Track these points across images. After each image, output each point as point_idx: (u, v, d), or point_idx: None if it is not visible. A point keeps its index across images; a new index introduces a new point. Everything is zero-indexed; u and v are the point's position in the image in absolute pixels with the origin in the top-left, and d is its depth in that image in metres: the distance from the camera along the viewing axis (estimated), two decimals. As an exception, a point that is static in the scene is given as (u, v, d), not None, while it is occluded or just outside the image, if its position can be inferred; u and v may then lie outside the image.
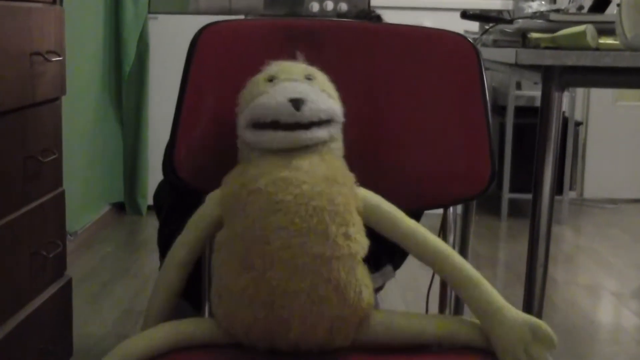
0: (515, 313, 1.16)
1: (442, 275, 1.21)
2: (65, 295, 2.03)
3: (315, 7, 4.32)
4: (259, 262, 1.13)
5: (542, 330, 1.14)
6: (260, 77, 1.24)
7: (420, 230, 1.21)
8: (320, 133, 1.19)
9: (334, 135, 1.22)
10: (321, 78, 1.25)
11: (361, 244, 1.17)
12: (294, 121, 1.16)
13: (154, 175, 4.13)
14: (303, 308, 1.13)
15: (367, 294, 1.17)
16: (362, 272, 1.17)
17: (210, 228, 1.23)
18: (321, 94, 1.20)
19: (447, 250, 1.21)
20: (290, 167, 1.16)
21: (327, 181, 1.16)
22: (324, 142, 1.20)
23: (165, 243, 2.07)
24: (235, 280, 1.15)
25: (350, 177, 1.20)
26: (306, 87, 1.20)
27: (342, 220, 1.15)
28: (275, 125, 1.17)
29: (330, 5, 4.29)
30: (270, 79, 1.22)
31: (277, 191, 1.13)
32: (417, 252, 1.21)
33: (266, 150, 1.19)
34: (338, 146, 1.24)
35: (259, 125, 1.18)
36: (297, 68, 1.24)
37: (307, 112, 1.17)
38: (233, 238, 1.16)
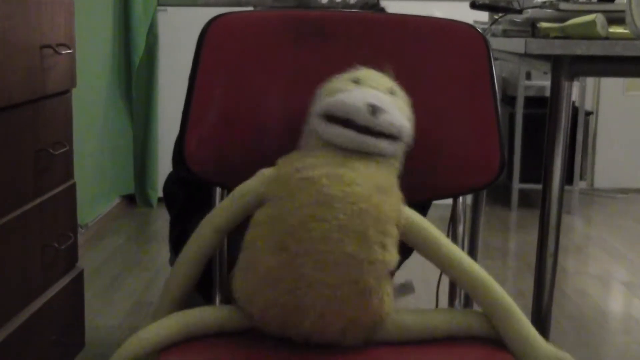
0: (545, 346, 1.20)
1: (476, 300, 1.24)
2: (76, 287, 2.04)
3: (324, -2, 4.31)
4: (294, 246, 1.14)
5: None
6: (346, 75, 1.27)
7: (460, 255, 1.23)
8: (385, 145, 1.20)
9: (396, 154, 1.24)
10: (403, 97, 1.28)
11: (394, 257, 1.18)
12: (366, 125, 1.18)
13: (164, 167, 4.14)
14: (323, 302, 1.13)
15: (388, 303, 1.19)
16: (388, 283, 1.18)
17: (251, 201, 1.23)
18: (398, 111, 1.23)
19: (485, 277, 1.23)
20: (347, 165, 1.18)
21: (379, 190, 1.17)
22: (385, 156, 1.22)
23: (177, 242, 2.07)
24: (264, 259, 1.15)
25: (399, 194, 1.22)
26: (388, 98, 1.22)
27: (383, 230, 1.16)
28: (347, 123, 1.19)
29: (339, -4, 4.28)
30: (356, 81, 1.25)
31: (330, 184, 1.15)
32: (456, 278, 1.23)
33: (331, 143, 1.21)
34: (396, 165, 1.26)
35: (332, 118, 1.20)
36: (382, 79, 1.27)
37: (381, 121, 1.19)
38: (274, 218, 1.17)
